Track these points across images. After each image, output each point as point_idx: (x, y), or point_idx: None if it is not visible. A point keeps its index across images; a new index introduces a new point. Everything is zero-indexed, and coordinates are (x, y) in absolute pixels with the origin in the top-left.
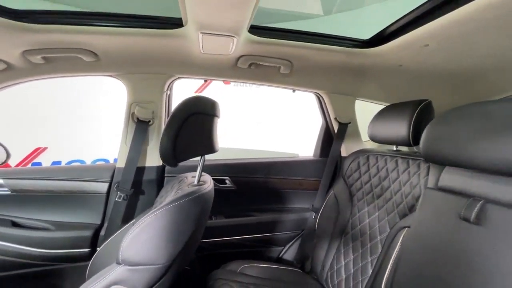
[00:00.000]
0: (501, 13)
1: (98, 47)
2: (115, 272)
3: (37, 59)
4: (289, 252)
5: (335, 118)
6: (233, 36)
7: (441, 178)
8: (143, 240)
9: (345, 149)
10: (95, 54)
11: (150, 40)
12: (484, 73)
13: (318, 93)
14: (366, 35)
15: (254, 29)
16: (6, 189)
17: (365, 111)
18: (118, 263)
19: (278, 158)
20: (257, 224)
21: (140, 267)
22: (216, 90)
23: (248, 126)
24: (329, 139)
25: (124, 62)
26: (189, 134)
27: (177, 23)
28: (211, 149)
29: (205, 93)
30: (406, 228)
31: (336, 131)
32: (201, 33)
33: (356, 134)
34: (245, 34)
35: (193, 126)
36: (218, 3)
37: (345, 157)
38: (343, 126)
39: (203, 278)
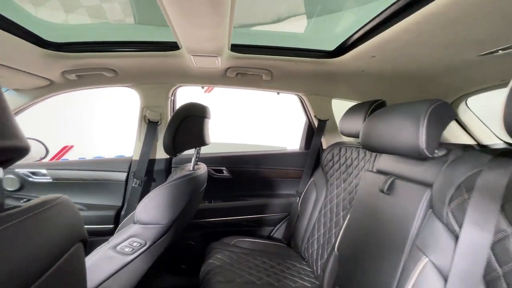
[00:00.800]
0: (429, 27)
1: (116, 66)
2: (132, 229)
3: (72, 76)
4: (278, 231)
5: (315, 116)
6: (217, 56)
7: (379, 162)
8: (151, 207)
9: (325, 142)
10: (114, 71)
11: (156, 59)
12: (434, 76)
13: (298, 95)
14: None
15: (236, 47)
16: (49, 177)
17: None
18: (134, 223)
19: (268, 150)
20: (250, 207)
21: (149, 225)
22: (221, 90)
23: (249, 123)
24: (312, 134)
25: (137, 76)
26: (185, 132)
27: (175, 46)
28: (202, 143)
29: (213, 92)
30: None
31: (316, 127)
32: (192, 55)
33: (334, 129)
34: (227, 52)
35: (188, 126)
36: (199, 35)
37: (324, 149)
38: (322, 123)
39: (204, 250)
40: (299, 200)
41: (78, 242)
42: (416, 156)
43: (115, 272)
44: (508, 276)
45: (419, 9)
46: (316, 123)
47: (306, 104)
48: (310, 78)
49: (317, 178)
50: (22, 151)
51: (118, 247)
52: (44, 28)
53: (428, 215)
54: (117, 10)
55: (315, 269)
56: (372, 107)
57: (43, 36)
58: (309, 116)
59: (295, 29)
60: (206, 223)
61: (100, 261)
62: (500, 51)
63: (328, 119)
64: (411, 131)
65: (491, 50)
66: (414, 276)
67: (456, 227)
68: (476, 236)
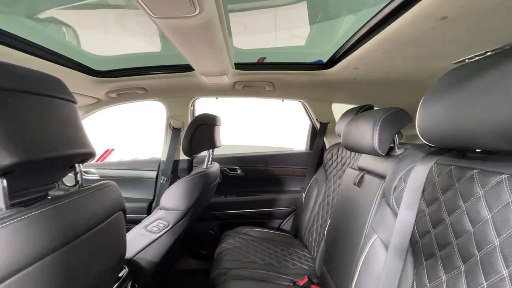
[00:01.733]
0: (390, 47)
1: (146, 85)
2: (158, 213)
3: (113, 95)
4: (287, 224)
5: (317, 119)
6: (223, 75)
7: (360, 160)
8: (172, 196)
9: (328, 143)
10: (145, 89)
11: (176, 78)
12: (419, 81)
13: (301, 101)
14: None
15: (240, 65)
16: (97, 175)
17: None
18: (160, 209)
19: (277, 151)
20: (261, 201)
21: (171, 210)
22: None
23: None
24: (315, 136)
25: (162, 92)
26: (199, 137)
27: (190, 68)
28: (214, 146)
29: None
30: None
31: (318, 129)
32: (203, 76)
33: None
34: (232, 71)
35: (201, 132)
36: (205, 63)
37: (326, 149)
38: (323, 125)
39: (220, 237)
40: (303, 196)
41: (120, 211)
42: (374, 153)
43: (147, 246)
44: (424, 246)
45: (377, 34)
46: (318, 125)
47: (308, 109)
48: (309, 87)
49: (319, 175)
50: (92, 155)
51: (148, 227)
52: (93, 61)
53: (382, 202)
54: (148, 43)
55: (313, 254)
56: (359, 111)
57: (92, 67)
58: (311, 119)
59: (293, 44)
60: (223, 215)
61: (136, 237)
62: (466, 60)
63: (329, 122)
64: (369, 134)
65: (459, 60)
66: (367, 249)
67: (397, 210)
68: (406, 216)
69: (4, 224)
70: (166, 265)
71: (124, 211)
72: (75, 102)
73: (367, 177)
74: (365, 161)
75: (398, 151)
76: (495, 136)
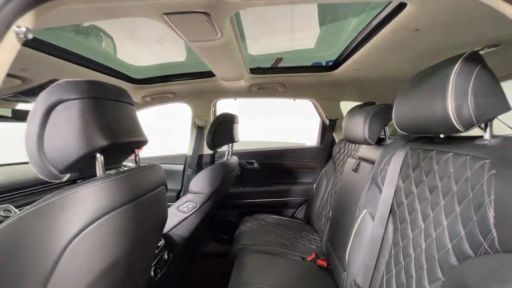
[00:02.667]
0: (381, 52)
1: (175, 89)
2: (187, 196)
3: (148, 99)
4: (300, 213)
5: (326, 116)
6: (240, 79)
7: (360, 151)
8: (199, 182)
9: (337, 138)
10: (174, 93)
11: (200, 83)
12: None
13: (311, 100)
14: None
15: (254, 70)
16: None
17: None
18: (189, 192)
19: (290, 146)
20: (276, 191)
21: (198, 194)
22: None
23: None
24: (325, 132)
25: (189, 95)
26: (220, 133)
27: (212, 74)
28: (233, 140)
29: None
30: None
31: (328, 125)
32: (223, 80)
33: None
34: (247, 75)
35: (222, 129)
36: (224, 70)
37: (335, 144)
38: (332, 122)
39: (239, 223)
40: (315, 187)
41: (163, 186)
42: (365, 143)
43: (178, 223)
44: (400, 214)
45: (368, 42)
46: (327, 122)
47: (318, 107)
48: (318, 87)
49: (328, 168)
50: (146, 142)
51: (179, 207)
52: (132, 70)
53: (373, 184)
54: (175, 53)
55: (321, 236)
56: (363, 107)
57: (131, 75)
58: (321, 116)
59: (303, 47)
60: (242, 203)
61: (170, 216)
62: None
63: (337, 119)
64: (361, 127)
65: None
66: (358, 222)
67: (382, 188)
68: (388, 191)
69: (104, 181)
70: (194, 245)
71: (166, 186)
72: (134, 105)
73: (363, 164)
74: (363, 151)
75: (388, 141)
76: (439, 124)
